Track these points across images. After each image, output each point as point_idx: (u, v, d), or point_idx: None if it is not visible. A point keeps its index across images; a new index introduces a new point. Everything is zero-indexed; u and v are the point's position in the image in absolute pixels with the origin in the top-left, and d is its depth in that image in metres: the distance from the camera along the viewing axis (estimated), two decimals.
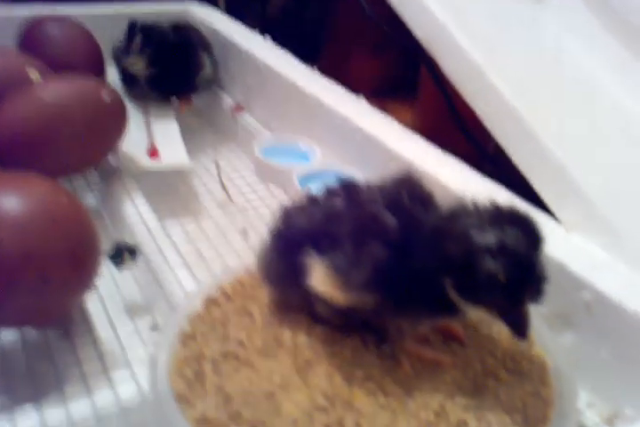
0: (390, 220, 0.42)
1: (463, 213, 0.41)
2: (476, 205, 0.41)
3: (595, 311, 0.47)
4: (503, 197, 0.55)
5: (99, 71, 0.81)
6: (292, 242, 0.46)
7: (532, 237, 0.40)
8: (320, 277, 0.43)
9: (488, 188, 0.60)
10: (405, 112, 1.11)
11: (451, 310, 0.42)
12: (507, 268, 0.38)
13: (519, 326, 0.40)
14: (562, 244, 0.52)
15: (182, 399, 0.41)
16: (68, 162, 0.64)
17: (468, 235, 0.39)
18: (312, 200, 0.48)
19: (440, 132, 0.78)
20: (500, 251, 0.38)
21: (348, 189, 0.46)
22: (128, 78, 0.88)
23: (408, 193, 0.44)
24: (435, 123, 1.05)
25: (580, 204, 0.56)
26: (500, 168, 0.73)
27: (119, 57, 0.87)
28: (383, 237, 0.41)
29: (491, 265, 0.38)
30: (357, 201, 0.45)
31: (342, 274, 0.42)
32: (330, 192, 0.47)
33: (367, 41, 1.24)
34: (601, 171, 0.60)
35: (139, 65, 0.84)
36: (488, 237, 0.38)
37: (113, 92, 0.66)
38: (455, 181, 0.59)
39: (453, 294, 0.41)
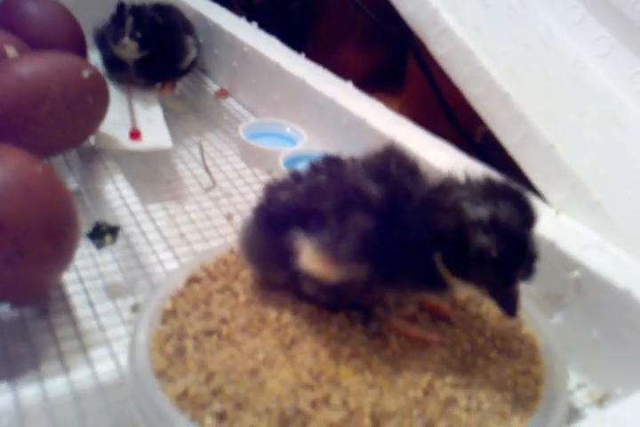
0: (373, 189, 0.41)
1: (454, 186, 0.40)
2: (467, 179, 0.40)
3: (585, 290, 0.46)
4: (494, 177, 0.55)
5: (80, 52, 0.79)
6: (276, 218, 0.45)
7: (526, 214, 0.39)
8: (309, 256, 0.41)
9: (478, 169, 0.59)
10: (393, 103, 1.10)
11: (438, 284, 0.41)
12: (499, 243, 0.37)
13: (509, 305, 0.39)
14: (552, 224, 0.51)
15: (163, 376, 0.39)
16: (47, 141, 0.62)
17: (460, 208, 0.38)
18: (295, 176, 0.46)
19: (427, 123, 0.77)
20: (493, 226, 0.37)
21: (332, 164, 0.45)
22: (114, 62, 0.86)
23: (394, 162, 0.43)
24: (422, 113, 1.04)
25: (570, 185, 0.56)
26: (486, 157, 0.72)
27: (104, 40, 0.85)
28: (367, 206, 0.40)
29: (483, 240, 0.37)
30: (340, 175, 0.44)
31: (331, 249, 0.40)
32: (313, 168, 0.46)
33: (355, 32, 1.23)
34: (590, 153, 0.59)
35: (131, 48, 0.82)
36: (481, 211, 0.37)
37: (94, 69, 0.64)
38: (445, 162, 0.58)
39: (442, 269, 0.40)
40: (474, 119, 1.01)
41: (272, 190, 0.47)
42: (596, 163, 0.58)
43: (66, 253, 0.44)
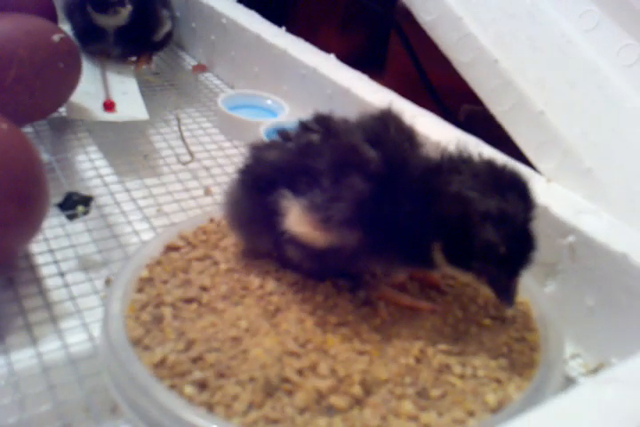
0: (370, 152, 0.38)
1: (454, 167, 0.37)
2: (465, 158, 0.38)
3: (579, 256, 0.45)
4: (485, 149, 0.53)
5: (50, 18, 0.75)
6: (263, 179, 0.42)
7: (529, 205, 0.37)
8: (297, 218, 0.39)
9: (465, 138, 0.57)
10: None
11: (429, 265, 0.39)
12: (508, 240, 0.35)
13: (509, 295, 0.37)
14: (544, 192, 0.50)
15: (138, 344, 0.37)
16: (15, 108, 0.59)
17: (466, 198, 0.36)
18: (284, 135, 0.44)
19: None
20: (502, 220, 0.35)
21: (324, 122, 0.42)
22: (89, 33, 0.82)
23: (393, 126, 0.41)
24: (404, 94, 1.02)
25: (561, 153, 0.54)
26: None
27: (76, 10, 0.81)
28: (364, 169, 0.38)
29: (491, 235, 0.35)
30: (334, 134, 0.41)
31: (321, 211, 0.38)
32: (304, 127, 0.43)
33: (336, 13, 1.21)
34: (580, 122, 0.57)
35: (124, 14, 0.78)
36: (490, 204, 0.35)
37: (65, 33, 0.61)
38: (435, 131, 0.56)
39: (439, 257, 0.38)
40: (457, 98, 0.99)
41: (259, 150, 0.44)
42: (587, 131, 0.56)
43: (32, 219, 0.42)
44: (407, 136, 0.41)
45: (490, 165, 0.37)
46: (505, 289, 0.37)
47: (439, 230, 0.37)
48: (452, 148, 0.39)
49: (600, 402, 0.29)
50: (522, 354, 0.39)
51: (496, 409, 0.35)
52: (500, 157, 0.52)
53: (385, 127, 0.40)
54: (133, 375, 0.34)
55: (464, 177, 0.37)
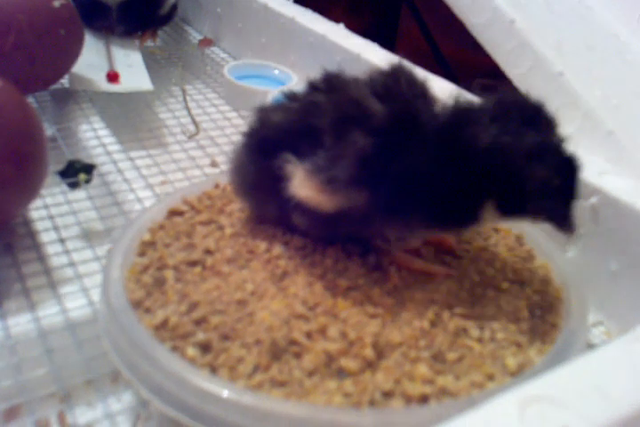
0: (376, 105, 0.36)
1: (474, 114, 0.35)
2: (478, 104, 0.36)
3: (602, 218, 0.42)
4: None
5: None
6: (268, 142, 0.40)
7: (555, 125, 0.35)
8: (301, 182, 0.36)
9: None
10: None
11: (467, 224, 0.37)
12: (558, 169, 0.34)
13: (571, 223, 0.35)
14: None
15: (139, 307, 0.35)
16: (15, 76, 0.57)
17: (502, 144, 0.34)
18: (291, 97, 0.41)
19: None
20: (544, 153, 0.33)
21: (332, 80, 0.40)
22: (93, 9, 0.80)
23: (401, 80, 0.39)
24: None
25: (581, 115, 0.52)
26: None
27: None
28: (368, 124, 0.35)
29: (542, 172, 0.33)
30: (340, 90, 0.39)
31: (325, 172, 0.35)
32: (312, 86, 0.41)
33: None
34: (600, 85, 0.55)
35: None
36: (526, 142, 0.33)
37: (66, 0, 0.59)
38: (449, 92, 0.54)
39: (489, 214, 0.35)
40: (470, 73, 0.97)
41: (265, 112, 0.42)
42: (607, 94, 0.54)
43: (30, 180, 0.40)
44: (420, 90, 0.39)
45: (499, 101, 0.36)
46: (567, 220, 0.35)
47: (488, 187, 0.35)
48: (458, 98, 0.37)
49: (631, 358, 0.27)
50: (543, 318, 0.37)
51: (516, 373, 0.33)
52: None
53: (395, 81, 0.38)
54: (133, 338, 0.33)
55: (486, 125, 0.34)
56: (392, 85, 0.38)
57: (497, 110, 0.35)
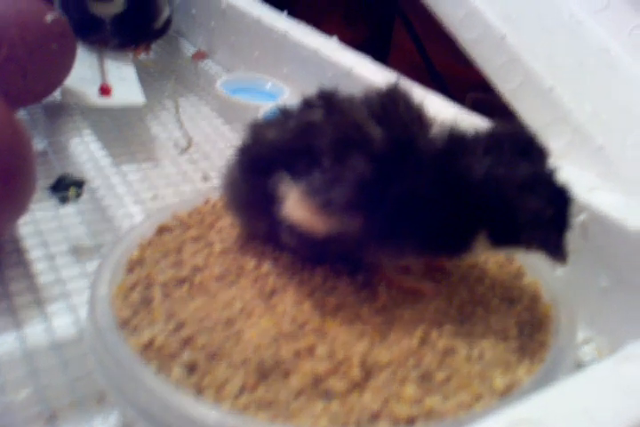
0: (376, 130, 0.36)
1: (469, 145, 0.36)
2: (473, 134, 0.36)
3: (592, 234, 0.42)
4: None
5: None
6: (261, 159, 0.39)
7: (545, 154, 0.36)
8: (296, 203, 0.36)
9: (472, 120, 0.55)
10: None
11: (459, 253, 0.37)
12: (551, 200, 0.34)
13: (563, 252, 0.35)
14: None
15: (126, 326, 0.35)
16: (8, 91, 0.57)
17: (497, 177, 0.34)
18: (285, 113, 0.41)
19: None
20: (537, 184, 0.34)
21: (328, 98, 0.39)
22: (86, 24, 0.80)
23: (398, 103, 0.38)
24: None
25: (571, 130, 0.52)
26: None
27: (71, 2, 0.79)
28: (367, 149, 0.35)
29: (535, 203, 0.34)
30: (338, 110, 0.38)
31: (321, 195, 0.35)
32: (306, 104, 0.40)
33: (339, 7, 1.19)
34: (591, 100, 0.55)
35: (119, 1, 0.76)
36: (520, 174, 0.34)
37: (58, 14, 0.59)
38: (441, 111, 0.54)
39: (482, 244, 0.36)
40: (463, 87, 0.97)
41: (259, 128, 0.41)
42: (598, 109, 0.54)
43: (18, 197, 0.40)
44: (416, 114, 0.38)
45: (495, 132, 0.36)
46: (558, 248, 0.35)
47: (482, 218, 0.35)
48: (453, 125, 0.37)
49: (619, 380, 0.27)
50: (532, 337, 0.37)
51: (505, 393, 0.33)
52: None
53: (392, 104, 0.38)
54: (119, 358, 0.32)
55: (480, 156, 0.35)
56: (390, 108, 0.37)
57: (490, 141, 0.36)
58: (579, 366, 0.41)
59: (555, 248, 0.35)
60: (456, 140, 0.36)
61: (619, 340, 0.42)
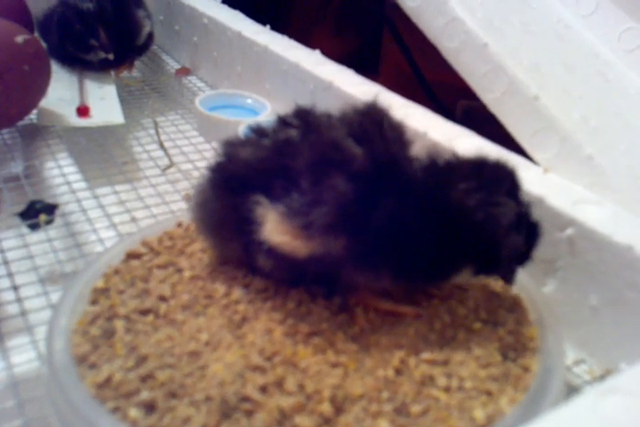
0: (355, 148, 0.34)
1: (456, 176, 0.36)
2: (456, 161, 0.37)
3: (580, 250, 0.40)
4: (475, 141, 0.50)
5: (25, 25, 0.72)
6: (235, 178, 0.37)
7: (520, 187, 0.37)
8: (274, 226, 0.34)
9: (459, 132, 0.53)
10: None
11: (439, 279, 0.38)
12: (528, 238, 0.37)
13: (513, 276, 0.38)
14: (539, 183, 0.45)
15: (83, 362, 0.33)
16: None
17: (488, 215, 0.35)
18: (259, 131, 0.39)
19: None
20: (521, 222, 0.36)
21: (304, 116, 0.38)
22: (67, 56, 0.79)
23: (377, 121, 0.36)
24: (399, 93, 1.00)
25: (559, 140, 0.50)
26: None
27: (51, 31, 0.78)
28: (347, 168, 0.33)
29: (517, 240, 0.36)
30: (315, 129, 0.36)
31: (301, 217, 0.33)
32: (282, 122, 0.38)
33: (329, 16, 1.18)
34: (578, 107, 0.53)
35: (102, 55, 0.76)
36: (508, 212, 0.35)
37: (30, 36, 0.58)
38: (425, 125, 0.52)
39: (464, 275, 0.36)
40: (453, 95, 0.95)
41: (232, 146, 0.39)
42: (586, 117, 0.52)
43: None
44: (397, 133, 0.37)
45: (478, 163, 0.37)
46: (512, 274, 0.38)
47: (468, 253, 0.35)
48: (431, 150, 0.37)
49: (602, 416, 0.25)
50: (516, 362, 0.35)
51: (485, 426, 0.31)
52: (490, 149, 0.49)
53: (371, 122, 0.36)
54: (72, 398, 0.30)
55: (465, 189, 0.35)
56: (368, 126, 0.36)
57: (469, 169, 0.36)
58: (571, 389, 0.38)
59: (512, 275, 0.38)
60: (436, 167, 0.36)
61: (611, 360, 0.40)
